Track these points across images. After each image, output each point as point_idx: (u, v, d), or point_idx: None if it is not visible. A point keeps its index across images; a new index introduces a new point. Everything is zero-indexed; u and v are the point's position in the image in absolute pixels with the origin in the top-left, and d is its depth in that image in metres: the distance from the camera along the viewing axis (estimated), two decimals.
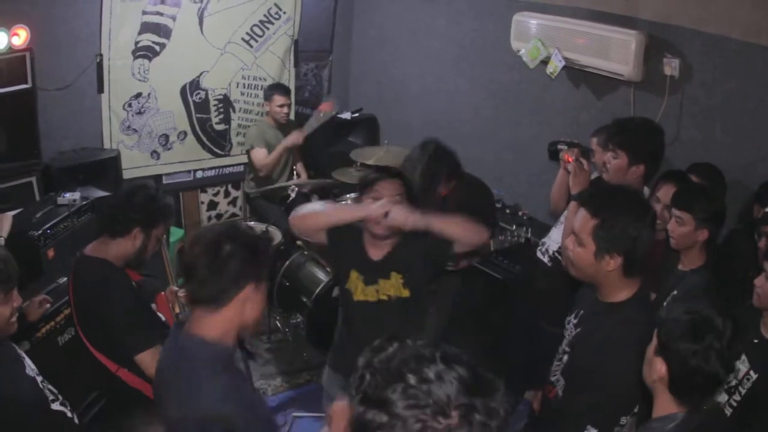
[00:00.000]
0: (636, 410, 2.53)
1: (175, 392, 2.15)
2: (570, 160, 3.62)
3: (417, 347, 1.34)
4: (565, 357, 2.76)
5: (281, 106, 5.90)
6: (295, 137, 5.81)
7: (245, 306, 2.20)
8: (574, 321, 2.80)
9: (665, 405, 2.18)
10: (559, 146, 4.00)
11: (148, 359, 2.92)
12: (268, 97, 6.00)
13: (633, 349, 2.37)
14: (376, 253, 3.29)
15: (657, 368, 2.16)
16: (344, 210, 3.28)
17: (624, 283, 2.54)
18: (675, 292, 3.25)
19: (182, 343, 2.19)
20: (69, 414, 2.66)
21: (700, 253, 3.29)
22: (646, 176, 3.55)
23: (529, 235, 4.00)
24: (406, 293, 3.28)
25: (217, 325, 2.17)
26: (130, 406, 3.21)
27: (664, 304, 3.26)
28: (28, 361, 2.58)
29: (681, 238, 3.26)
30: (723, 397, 2.81)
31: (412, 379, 1.25)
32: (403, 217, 3.05)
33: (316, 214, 3.34)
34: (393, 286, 3.29)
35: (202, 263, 2.13)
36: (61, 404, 2.63)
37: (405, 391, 1.24)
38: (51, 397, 2.59)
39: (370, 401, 1.27)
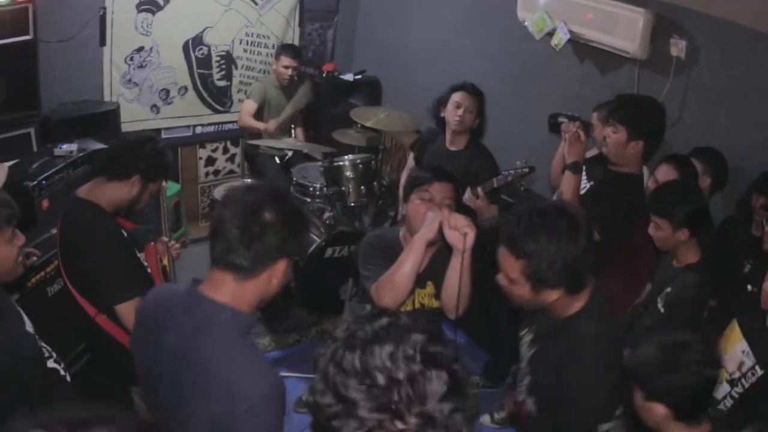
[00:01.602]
0: (618, 413, 2.44)
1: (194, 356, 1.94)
2: None
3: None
4: (527, 378, 2.62)
5: (286, 67, 5.94)
6: (270, 125, 5.92)
7: (272, 280, 2.02)
8: (529, 338, 2.63)
9: None
10: (560, 119, 3.97)
11: (127, 310, 2.94)
12: (276, 56, 6.06)
13: (592, 362, 2.26)
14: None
15: (657, 412, 2.15)
16: (412, 258, 2.90)
17: (572, 300, 2.34)
18: (668, 290, 3.22)
19: (201, 305, 1.97)
20: (62, 372, 2.65)
21: (691, 249, 3.24)
22: (645, 153, 3.54)
23: (527, 170, 3.90)
24: (436, 304, 3.15)
25: (243, 294, 1.99)
26: (106, 354, 3.23)
27: (658, 299, 3.25)
28: (25, 317, 2.56)
29: (661, 241, 3.26)
30: (724, 389, 2.78)
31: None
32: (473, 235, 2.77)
33: (396, 288, 2.95)
34: (427, 295, 3.17)
35: (233, 228, 1.92)
36: (55, 362, 2.62)
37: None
38: (46, 355, 2.59)
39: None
